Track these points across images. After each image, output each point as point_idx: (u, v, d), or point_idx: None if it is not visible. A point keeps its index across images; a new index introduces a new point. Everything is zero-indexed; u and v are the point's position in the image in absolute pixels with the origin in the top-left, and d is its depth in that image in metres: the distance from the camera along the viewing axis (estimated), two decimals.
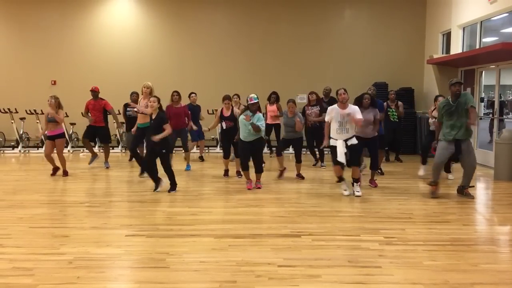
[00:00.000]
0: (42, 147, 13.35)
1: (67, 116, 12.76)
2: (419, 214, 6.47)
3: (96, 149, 11.92)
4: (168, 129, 7.75)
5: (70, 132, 13.51)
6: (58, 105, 9.37)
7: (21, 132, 13.57)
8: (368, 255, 4.76)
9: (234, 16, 14.73)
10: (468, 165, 7.38)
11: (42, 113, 13.44)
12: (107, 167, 10.42)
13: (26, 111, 13.51)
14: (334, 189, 8.10)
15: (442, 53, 13.16)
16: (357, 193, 7.51)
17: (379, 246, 5.03)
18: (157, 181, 7.89)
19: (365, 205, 6.98)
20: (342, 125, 7.37)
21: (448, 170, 9.11)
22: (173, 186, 7.90)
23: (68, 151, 13.29)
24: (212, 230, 5.61)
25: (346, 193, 7.58)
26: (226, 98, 9.12)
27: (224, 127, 9.12)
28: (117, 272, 4.42)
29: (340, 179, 7.66)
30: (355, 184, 7.59)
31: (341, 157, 7.30)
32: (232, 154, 9.68)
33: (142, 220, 6.19)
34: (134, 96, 10.82)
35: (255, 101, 8.07)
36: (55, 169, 9.49)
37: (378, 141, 8.39)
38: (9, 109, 13.47)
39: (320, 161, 10.71)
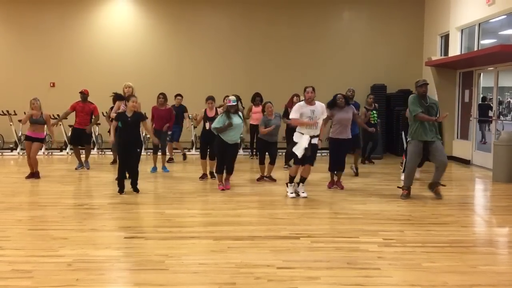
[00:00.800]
0: (41, 148, 13.33)
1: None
2: (418, 216, 6.48)
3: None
4: (148, 124, 8.08)
5: (69, 134, 13.47)
6: (40, 108, 9.40)
7: (19, 134, 13.54)
8: (367, 257, 4.77)
9: (232, 18, 14.73)
10: (439, 162, 7.38)
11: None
12: (88, 168, 10.47)
13: (24, 113, 13.42)
14: (333, 191, 8.10)
15: (441, 55, 13.19)
16: (302, 194, 7.48)
17: (378, 248, 5.03)
18: (122, 185, 7.89)
19: (364, 207, 6.98)
20: (312, 119, 7.31)
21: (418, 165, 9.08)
22: (135, 186, 7.94)
23: (67, 153, 13.28)
24: (211, 232, 5.61)
25: (291, 195, 7.52)
26: (210, 98, 9.14)
27: (208, 128, 8.97)
28: (116, 274, 4.42)
29: (291, 180, 7.57)
30: (301, 184, 7.57)
31: (298, 149, 7.26)
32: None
33: (140, 222, 6.19)
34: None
35: (234, 103, 8.07)
36: (36, 173, 9.38)
37: (351, 142, 8.47)
38: (7, 111, 13.46)
39: (285, 162, 10.67)
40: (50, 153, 13.38)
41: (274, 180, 8.97)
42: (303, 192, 7.55)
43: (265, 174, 9.07)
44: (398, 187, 7.90)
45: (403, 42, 14.51)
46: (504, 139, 9.19)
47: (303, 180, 7.59)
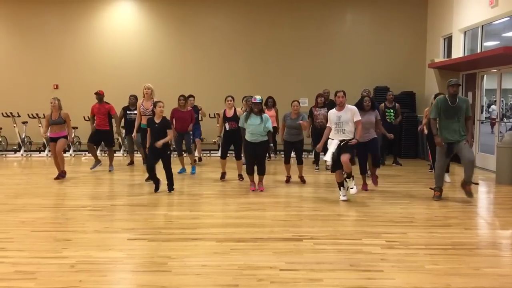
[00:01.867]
0: (44, 150, 13.40)
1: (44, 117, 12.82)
2: (421, 218, 6.47)
3: (98, 153, 11.89)
4: (170, 134, 8.01)
5: (72, 136, 13.51)
6: (60, 107, 9.41)
7: (23, 136, 13.60)
8: (370, 259, 4.77)
9: (235, 20, 14.75)
10: (464, 158, 7.29)
11: (44, 117, 13.47)
12: (111, 171, 10.44)
13: (28, 115, 13.54)
14: (336, 193, 8.10)
15: (444, 57, 13.18)
16: (351, 191, 7.30)
17: (381, 250, 5.03)
18: (157, 182, 8.04)
19: (367, 209, 6.98)
20: (338, 126, 7.38)
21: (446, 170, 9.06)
22: (171, 186, 8.06)
23: (70, 155, 13.31)
24: (214, 234, 5.61)
25: (343, 198, 7.48)
26: (229, 96, 9.25)
27: (227, 128, 9.12)
28: (119, 276, 4.43)
29: (341, 184, 7.57)
30: (347, 180, 7.37)
31: (327, 156, 7.31)
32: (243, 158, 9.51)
33: (144, 224, 6.20)
34: (132, 99, 10.93)
35: (259, 101, 8.17)
36: (63, 172, 9.46)
37: (377, 142, 8.47)
38: (11, 113, 13.51)
39: (315, 164, 10.76)
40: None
41: (304, 182, 8.97)
42: (351, 188, 7.32)
43: (294, 175, 9.06)
44: (430, 188, 7.84)
45: (406, 44, 14.49)
46: (507, 141, 9.17)
47: (348, 175, 7.37)
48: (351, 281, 4.18)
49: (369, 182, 8.40)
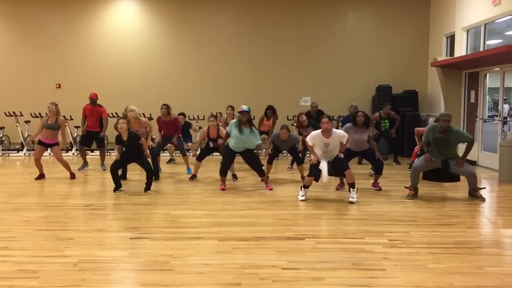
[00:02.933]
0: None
1: (71, 119, 12.84)
2: (423, 217, 6.46)
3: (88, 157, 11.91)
4: (144, 142, 8.17)
5: (75, 135, 13.55)
6: (57, 112, 9.38)
7: (25, 135, 13.62)
8: (372, 258, 4.76)
9: (237, 19, 14.75)
10: (466, 174, 7.56)
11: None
12: (104, 170, 10.49)
13: (31, 114, 13.58)
14: (338, 192, 8.10)
15: (446, 56, 13.15)
16: (351, 199, 7.25)
17: (383, 249, 5.03)
18: (118, 184, 8.16)
19: (369, 208, 6.97)
20: (326, 153, 7.29)
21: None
22: (148, 186, 8.13)
23: (73, 154, 13.34)
24: (216, 233, 5.62)
25: (302, 198, 7.42)
26: (212, 116, 9.05)
27: (211, 146, 9.12)
28: (122, 275, 4.44)
29: (306, 187, 7.50)
30: (351, 189, 7.34)
31: (325, 177, 7.20)
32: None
33: (146, 222, 6.20)
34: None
35: (246, 110, 8.10)
36: (42, 176, 9.45)
37: (373, 151, 8.26)
38: (14, 112, 13.54)
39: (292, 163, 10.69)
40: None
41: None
42: (352, 198, 7.26)
43: (301, 176, 9.05)
44: (405, 187, 7.88)
45: (408, 43, 14.48)
46: (510, 140, 9.15)
47: (351, 185, 7.33)
48: (354, 280, 4.18)
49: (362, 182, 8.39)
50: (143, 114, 12.16)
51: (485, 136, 11.80)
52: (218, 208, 7.02)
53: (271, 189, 8.25)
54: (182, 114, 11.46)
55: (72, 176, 9.48)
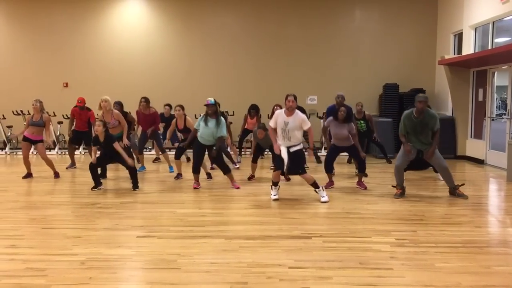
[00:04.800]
0: (54, 149, 13.49)
1: (54, 115, 12.91)
2: (431, 216, 6.43)
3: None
4: (118, 147, 8.16)
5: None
6: (41, 109, 9.44)
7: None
8: (380, 257, 4.75)
9: (243, 18, 14.73)
10: (439, 167, 7.50)
11: (55, 115, 13.59)
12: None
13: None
14: (344, 191, 8.08)
15: (454, 54, 13.08)
16: (322, 199, 7.17)
17: (390, 248, 5.01)
18: (98, 182, 8.31)
19: (376, 206, 6.95)
20: (284, 132, 7.09)
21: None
22: (135, 184, 8.24)
23: (80, 152, 13.40)
24: (223, 231, 5.62)
25: (274, 197, 7.34)
26: (178, 106, 9.08)
27: (183, 137, 9.20)
28: (129, 273, 4.45)
29: (275, 184, 7.42)
30: (317, 190, 7.28)
31: (285, 161, 7.07)
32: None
33: (153, 221, 6.22)
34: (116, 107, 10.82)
35: (211, 103, 8.08)
36: (29, 175, 9.51)
37: (354, 148, 8.19)
38: (21, 111, 13.63)
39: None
40: (63, 153, 13.50)
41: (289, 179, 8.94)
42: (323, 197, 7.22)
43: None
44: (392, 186, 7.84)
45: (416, 41, 14.40)
46: None
47: (315, 186, 7.28)
48: (361, 279, 4.17)
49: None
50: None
51: (493, 134, 11.73)
52: (224, 207, 7.02)
53: (237, 188, 8.20)
54: (168, 105, 11.47)
55: (56, 175, 9.51)
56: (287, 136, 7.09)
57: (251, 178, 9.17)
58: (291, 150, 7.11)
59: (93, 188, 8.22)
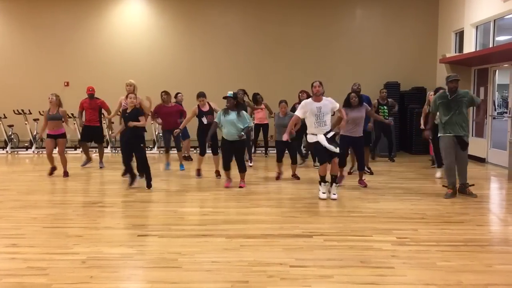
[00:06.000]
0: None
1: (70, 117, 12.90)
2: (432, 214, 6.41)
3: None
4: (143, 120, 8.10)
5: (35, 133, 13.64)
6: (59, 103, 9.44)
7: (34, 133, 13.71)
8: (381, 255, 4.74)
9: (245, 18, 14.71)
10: (460, 160, 7.39)
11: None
12: (101, 168, 10.51)
13: (39, 112, 13.61)
14: (345, 189, 8.06)
15: (455, 52, 13.06)
16: (333, 196, 7.22)
17: (391, 247, 5.00)
18: (133, 176, 8.22)
19: (377, 205, 6.94)
20: (319, 118, 7.09)
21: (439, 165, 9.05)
22: (148, 182, 8.14)
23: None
24: (224, 230, 5.62)
25: (323, 196, 7.27)
26: (201, 95, 9.02)
27: (205, 122, 8.96)
28: (130, 272, 4.45)
29: (323, 180, 7.32)
30: (333, 184, 7.30)
31: (330, 147, 7.01)
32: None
33: (154, 220, 6.22)
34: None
35: (229, 95, 8.11)
36: (53, 169, 9.55)
37: (364, 140, 8.34)
38: (22, 110, 13.63)
39: (314, 161, 10.43)
40: (65, 151, 13.46)
41: (298, 178, 8.95)
42: (334, 194, 7.25)
43: (291, 173, 9.08)
44: (443, 185, 7.75)
45: (417, 39, 14.37)
46: None
47: (334, 179, 7.30)
48: (362, 278, 4.16)
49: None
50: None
51: (495, 133, 11.71)
52: (225, 206, 7.02)
53: (242, 187, 8.16)
54: (180, 93, 11.58)
55: (65, 174, 9.49)
56: (322, 121, 7.10)
57: (278, 177, 9.10)
58: (328, 135, 7.11)
59: (130, 185, 8.19)
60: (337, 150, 7.12)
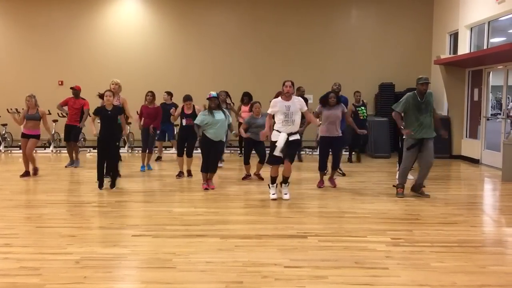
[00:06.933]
0: (49, 147, 13.43)
1: (49, 113, 12.85)
2: (426, 215, 6.43)
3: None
4: (122, 120, 8.28)
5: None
6: (36, 104, 9.40)
7: None
8: (375, 256, 4.74)
9: (240, 17, 14.71)
10: (425, 162, 7.40)
11: (50, 113, 13.49)
12: (76, 166, 10.51)
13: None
14: (340, 190, 8.08)
15: (450, 54, 13.11)
16: (285, 196, 7.24)
17: (386, 248, 5.01)
18: (102, 179, 8.12)
19: (372, 206, 6.95)
20: (287, 116, 7.04)
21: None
22: (113, 182, 8.11)
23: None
24: (219, 231, 5.61)
25: (274, 196, 7.27)
26: (187, 99, 8.99)
27: (184, 124, 9.00)
28: (124, 272, 4.43)
29: (273, 181, 7.32)
30: (283, 185, 7.30)
31: (277, 151, 6.98)
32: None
33: (148, 220, 6.20)
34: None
35: (214, 96, 8.06)
36: (35, 169, 9.46)
37: (342, 141, 8.41)
38: (16, 109, 13.54)
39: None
40: (58, 151, 13.43)
41: (262, 179, 8.88)
42: (285, 194, 7.27)
43: (254, 172, 9.02)
44: (393, 185, 7.84)
45: (411, 41, 14.41)
46: None
47: (285, 180, 7.29)
48: (356, 278, 4.16)
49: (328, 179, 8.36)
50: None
51: (489, 134, 11.77)
52: (220, 206, 7.01)
53: (212, 188, 8.08)
54: (166, 93, 11.50)
55: (35, 171, 9.42)
56: (290, 120, 7.07)
57: (246, 177, 9.09)
58: (291, 138, 7.06)
59: (99, 186, 8.07)
60: (280, 154, 7.02)
